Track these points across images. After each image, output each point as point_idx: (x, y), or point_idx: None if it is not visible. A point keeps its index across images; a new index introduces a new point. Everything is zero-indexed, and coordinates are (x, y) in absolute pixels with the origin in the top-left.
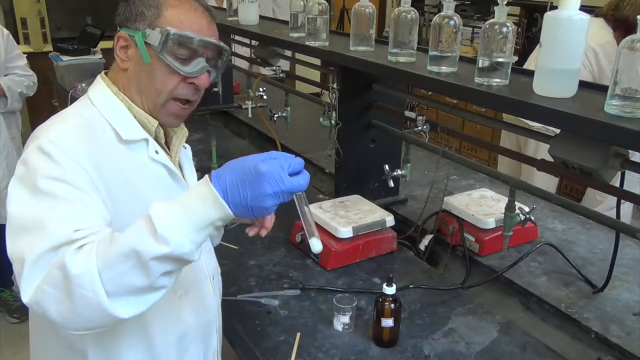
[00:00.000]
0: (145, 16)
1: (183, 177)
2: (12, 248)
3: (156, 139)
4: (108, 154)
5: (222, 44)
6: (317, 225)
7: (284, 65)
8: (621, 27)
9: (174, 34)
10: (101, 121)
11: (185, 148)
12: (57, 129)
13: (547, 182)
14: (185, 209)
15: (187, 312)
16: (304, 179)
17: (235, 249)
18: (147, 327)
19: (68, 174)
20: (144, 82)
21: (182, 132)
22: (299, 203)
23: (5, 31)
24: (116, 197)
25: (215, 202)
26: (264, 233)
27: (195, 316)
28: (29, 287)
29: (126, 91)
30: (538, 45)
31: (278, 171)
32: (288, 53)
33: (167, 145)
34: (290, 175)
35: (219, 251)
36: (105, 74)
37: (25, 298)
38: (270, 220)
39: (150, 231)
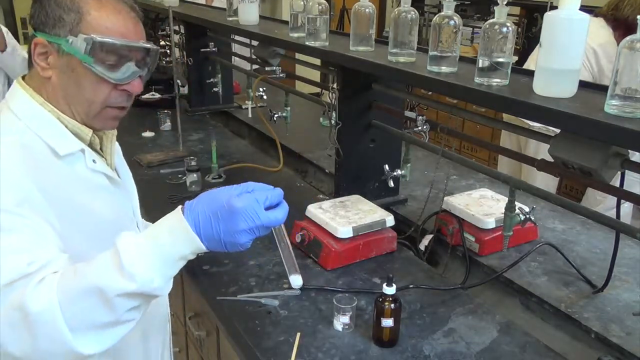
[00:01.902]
0: (65, 22)
1: (119, 177)
2: None
3: (91, 146)
4: (47, 173)
5: (150, 45)
6: (317, 225)
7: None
8: (621, 26)
9: (99, 41)
10: (32, 137)
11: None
12: None
13: (547, 182)
14: (154, 242)
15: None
16: (281, 212)
17: None
18: None
19: (11, 202)
20: (71, 92)
21: (112, 131)
22: (277, 237)
23: (4, 28)
24: (63, 216)
25: (186, 236)
26: None
27: (155, 307)
28: None
29: (52, 101)
30: (538, 45)
31: (253, 206)
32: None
33: (100, 149)
34: (268, 208)
35: None
36: (24, 78)
37: None
38: None
39: (117, 266)
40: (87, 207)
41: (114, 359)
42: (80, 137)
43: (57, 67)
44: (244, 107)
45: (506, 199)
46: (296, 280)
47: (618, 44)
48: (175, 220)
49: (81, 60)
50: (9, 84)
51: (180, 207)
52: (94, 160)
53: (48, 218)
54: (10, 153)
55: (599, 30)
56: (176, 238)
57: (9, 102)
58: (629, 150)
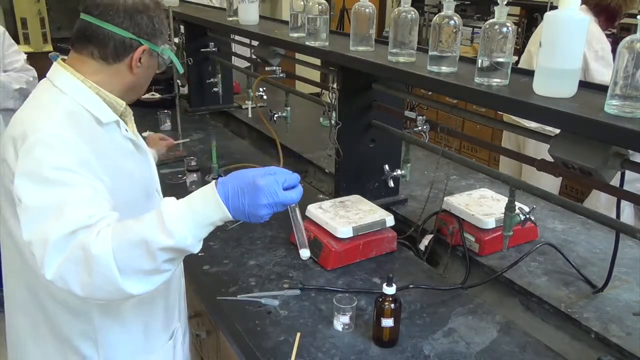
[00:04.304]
0: (163, 34)
1: None
2: (32, 233)
3: (120, 116)
4: (94, 137)
5: None
6: (317, 225)
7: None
8: (603, 13)
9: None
10: (77, 107)
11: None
12: (49, 121)
13: (551, 182)
14: (191, 208)
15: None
16: (296, 193)
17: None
18: None
19: (72, 162)
20: (140, 82)
21: (129, 109)
22: (292, 214)
23: (1, 29)
24: (108, 173)
25: (217, 205)
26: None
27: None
28: (52, 265)
29: (92, 77)
30: (529, 43)
31: (273, 185)
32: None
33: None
34: (285, 189)
35: (220, 248)
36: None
37: (48, 275)
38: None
39: (160, 225)
40: (124, 168)
41: (142, 303)
42: (114, 109)
43: (146, 66)
44: (244, 107)
45: (506, 199)
46: (304, 253)
47: (603, 30)
48: (209, 192)
49: (172, 61)
50: None
51: (214, 181)
52: (126, 129)
53: (101, 177)
54: (63, 119)
55: None
56: (209, 207)
57: (52, 80)
58: (629, 150)
